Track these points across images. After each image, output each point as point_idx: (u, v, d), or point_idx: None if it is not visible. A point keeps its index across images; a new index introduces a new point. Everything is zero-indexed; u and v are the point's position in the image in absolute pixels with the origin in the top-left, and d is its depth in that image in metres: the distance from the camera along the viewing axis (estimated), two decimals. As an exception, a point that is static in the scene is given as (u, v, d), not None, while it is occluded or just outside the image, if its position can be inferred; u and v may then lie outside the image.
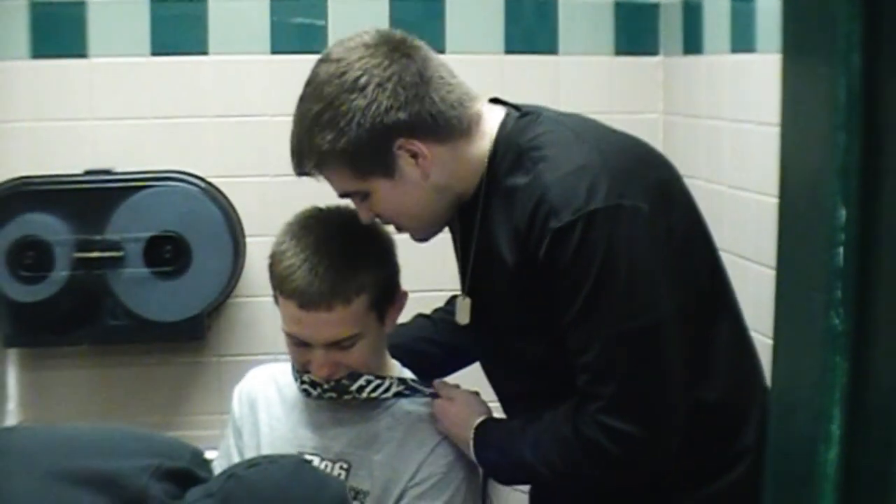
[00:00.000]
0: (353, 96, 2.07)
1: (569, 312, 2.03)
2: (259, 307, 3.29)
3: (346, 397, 2.33)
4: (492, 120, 2.20)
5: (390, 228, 2.31)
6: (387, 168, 2.12)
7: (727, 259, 2.33)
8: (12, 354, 3.24)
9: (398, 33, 2.18)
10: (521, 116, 2.19)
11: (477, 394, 2.37)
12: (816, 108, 0.95)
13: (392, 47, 2.12)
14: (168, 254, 3.15)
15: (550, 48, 3.42)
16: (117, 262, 3.13)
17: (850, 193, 0.93)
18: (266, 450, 2.37)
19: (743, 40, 2.89)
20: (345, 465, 2.32)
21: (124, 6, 3.24)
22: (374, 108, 2.07)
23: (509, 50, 3.40)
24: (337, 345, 2.26)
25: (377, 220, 2.25)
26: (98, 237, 3.13)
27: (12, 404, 3.22)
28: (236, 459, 2.40)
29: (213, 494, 1.80)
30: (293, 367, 2.39)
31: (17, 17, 3.20)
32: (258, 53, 3.29)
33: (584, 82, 3.43)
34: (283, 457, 2.05)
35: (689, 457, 2.10)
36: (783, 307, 0.94)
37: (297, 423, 2.40)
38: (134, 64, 3.26)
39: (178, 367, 3.37)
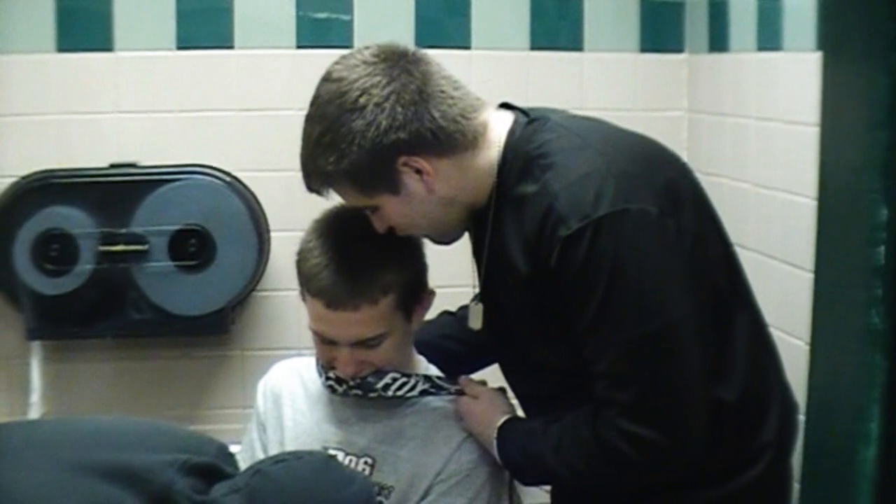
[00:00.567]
0: (353, 117, 2.07)
1: (583, 320, 2.03)
2: (283, 301, 3.29)
3: (372, 395, 2.32)
4: (499, 128, 2.18)
5: None
6: (391, 185, 2.12)
7: (752, 257, 2.32)
8: (36, 347, 3.24)
9: (400, 47, 2.16)
10: (528, 123, 2.18)
11: (503, 391, 2.37)
12: (856, 107, 0.94)
13: (392, 64, 2.10)
14: (192, 247, 3.15)
15: (575, 45, 3.41)
16: (141, 256, 3.14)
17: (891, 192, 0.92)
18: (290, 445, 2.37)
19: (769, 38, 2.88)
20: (369, 461, 2.32)
21: (150, 0, 3.25)
22: (373, 129, 2.06)
23: (534, 47, 3.39)
24: (363, 343, 2.26)
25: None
26: (123, 230, 3.14)
27: (36, 396, 3.22)
28: (260, 454, 2.40)
29: (239, 490, 1.80)
30: (318, 362, 2.39)
31: (44, 10, 3.21)
32: (283, 48, 3.29)
33: (609, 79, 3.42)
34: (309, 453, 2.05)
35: (707, 455, 2.08)
36: (822, 305, 0.93)
37: (322, 418, 2.40)
38: (159, 58, 3.26)
39: (201, 361, 3.37)
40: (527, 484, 2.41)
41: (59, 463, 1.77)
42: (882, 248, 0.94)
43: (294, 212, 3.22)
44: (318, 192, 2.19)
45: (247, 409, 2.63)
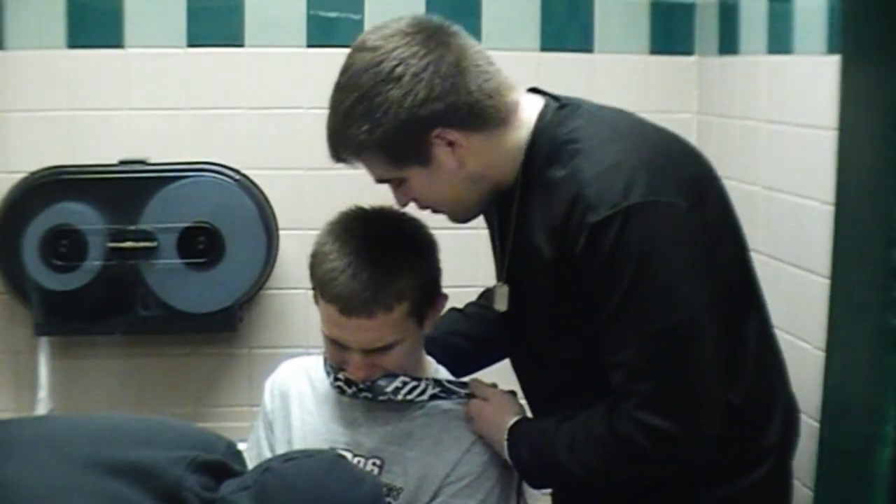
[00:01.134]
0: (389, 87, 2.06)
1: (605, 309, 2.03)
2: (292, 300, 3.29)
3: (382, 399, 2.31)
4: (530, 109, 2.18)
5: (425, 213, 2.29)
6: (423, 157, 2.11)
7: (760, 260, 2.32)
8: (44, 343, 3.24)
9: (435, 20, 2.16)
10: (560, 108, 2.18)
11: (513, 393, 2.36)
12: (875, 110, 0.94)
13: (429, 35, 2.10)
14: (201, 245, 3.16)
15: (586, 46, 3.41)
16: (150, 253, 3.14)
17: (908, 194, 0.92)
18: (298, 444, 2.37)
19: (780, 41, 2.87)
20: (378, 462, 2.31)
21: (161, -3, 3.26)
22: (410, 99, 2.05)
23: (545, 48, 3.39)
24: (375, 348, 2.25)
25: (414, 204, 2.23)
26: (132, 227, 3.14)
27: (43, 392, 3.23)
28: (266, 452, 2.40)
29: (248, 487, 1.80)
30: (326, 361, 2.39)
31: (55, 6, 3.21)
32: (294, 46, 3.29)
33: (619, 81, 3.42)
34: (319, 452, 2.05)
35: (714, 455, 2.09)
36: (838, 306, 0.93)
37: (330, 418, 2.39)
38: (170, 55, 3.27)
39: (209, 359, 3.38)
40: (535, 486, 2.40)
41: (67, 459, 1.77)
42: (899, 250, 0.94)
43: (303, 210, 3.25)
44: (346, 162, 2.16)
45: (254, 407, 2.63)
